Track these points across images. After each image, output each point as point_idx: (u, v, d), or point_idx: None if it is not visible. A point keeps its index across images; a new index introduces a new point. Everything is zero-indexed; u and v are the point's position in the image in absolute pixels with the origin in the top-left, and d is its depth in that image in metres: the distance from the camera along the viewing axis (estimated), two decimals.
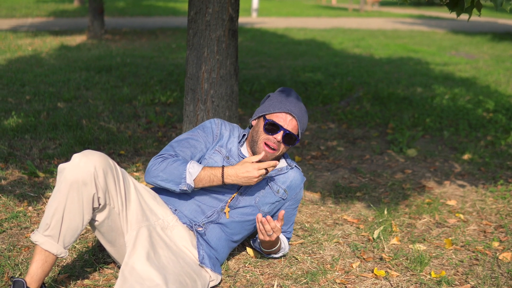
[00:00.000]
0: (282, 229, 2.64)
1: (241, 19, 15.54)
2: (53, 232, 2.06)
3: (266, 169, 2.30)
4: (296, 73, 7.83)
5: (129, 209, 2.22)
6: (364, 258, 2.74)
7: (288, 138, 2.40)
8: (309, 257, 2.72)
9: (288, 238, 2.71)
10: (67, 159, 3.94)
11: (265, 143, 2.39)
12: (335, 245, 2.88)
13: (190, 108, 3.30)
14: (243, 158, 2.47)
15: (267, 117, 2.41)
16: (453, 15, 21.71)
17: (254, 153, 2.45)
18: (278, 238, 2.52)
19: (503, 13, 23.80)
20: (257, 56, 9.33)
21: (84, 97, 5.79)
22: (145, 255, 2.07)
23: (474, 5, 2.78)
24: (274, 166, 2.31)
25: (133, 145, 4.31)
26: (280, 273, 2.56)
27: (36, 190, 3.37)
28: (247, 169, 2.28)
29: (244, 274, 2.55)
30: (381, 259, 2.74)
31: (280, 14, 19.81)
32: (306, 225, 3.12)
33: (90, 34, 10.69)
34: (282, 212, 2.34)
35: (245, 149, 2.51)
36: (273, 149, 2.39)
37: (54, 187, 2.20)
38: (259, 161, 2.33)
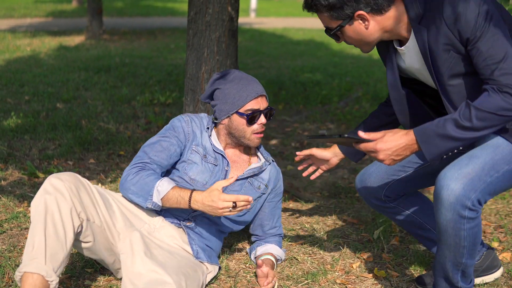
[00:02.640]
0: (269, 225, 2.63)
1: (240, 20, 15.51)
2: (39, 257, 1.96)
3: (234, 203, 2.14)
4: (295, 73, 7.83)
5: (114, 219, 2.20)
6: (364, 259, 2.74)
7: (270, 113, 2.44)
8: (309, 258, 2.73)
9: (280, 235, 2.69)
10: (67, 159, 3.95)
11: (255, 133, 2.41)
12: (335, 245, 2.89)
13: (190, 108, 3.30)
14: (218, 152, 2.44)
15: (242, 111, 2.36)
16: None
17: (241, 144, 2.47)
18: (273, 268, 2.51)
19: None
20: (256, 56, 9.34)
21: (83, 97, 5.79)
22: (145, 257, 2.07)
23: None
24: (248, 202, 2.16)
25: (133, 146, 4.31)
26: (280, 274, 2.56)
27: (36, 191, 3.35)
28: (213, 199, 2.15)
29: (244, 275, 2.55)
30: (381, 259, 2.75)
31: (279, 14, 19.84)
32: (306, 225, 3.12)
33: (89, 35, 10.69)
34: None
35: (215, 139, 2.46)
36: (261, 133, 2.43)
37: None
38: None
